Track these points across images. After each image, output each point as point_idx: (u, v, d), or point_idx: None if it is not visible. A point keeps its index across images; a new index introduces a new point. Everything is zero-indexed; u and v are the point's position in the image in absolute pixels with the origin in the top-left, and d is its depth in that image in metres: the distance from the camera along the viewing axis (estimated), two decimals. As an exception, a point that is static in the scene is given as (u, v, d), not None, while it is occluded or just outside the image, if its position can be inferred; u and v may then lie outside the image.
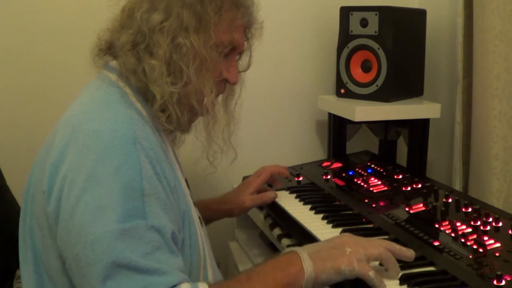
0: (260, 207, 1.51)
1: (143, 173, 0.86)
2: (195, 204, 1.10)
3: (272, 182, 1.50)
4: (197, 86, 0.99)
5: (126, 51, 0.98)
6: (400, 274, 1.00)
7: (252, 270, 0.95)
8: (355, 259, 0.94)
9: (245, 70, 1.17)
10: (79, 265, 0.84)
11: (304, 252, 0.95)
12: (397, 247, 1.01)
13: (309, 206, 1.39)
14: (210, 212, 1.39)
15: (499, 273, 0.97)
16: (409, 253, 1.01)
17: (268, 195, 1.41)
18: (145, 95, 0.99)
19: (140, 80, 0.98)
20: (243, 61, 1.16)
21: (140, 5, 0.98)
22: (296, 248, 0.98)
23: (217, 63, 1.03)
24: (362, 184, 1.51)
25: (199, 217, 1.09)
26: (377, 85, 1.69)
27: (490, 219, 1.19)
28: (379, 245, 0.98)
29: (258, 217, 1.55)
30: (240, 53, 1.13)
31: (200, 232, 1.01)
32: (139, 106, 0.97)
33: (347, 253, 0.95)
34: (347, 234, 1.03)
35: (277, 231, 1.40)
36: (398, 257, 1.00)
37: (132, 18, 0.98)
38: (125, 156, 0.86)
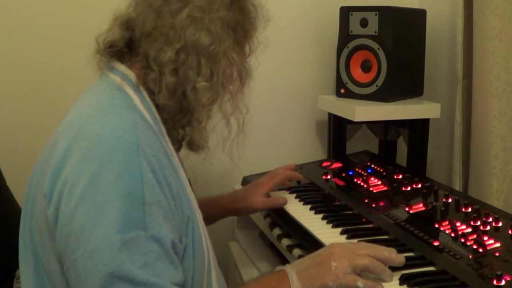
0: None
1: (145, 181, 0.86)
2: (198, 205, 1.10)
3: (282, 184, 1.50)
4: (234, 103, 1.05)
5: (169, 70, 0.96)
6: (393, 277, 1.00)
7: (243, 287, 0.96)
8: (341, 273, 0.96)
9: None
10: (77, 271, 0.84)
11: (293, 272, 0.98)
12: (385, 254, 1.01)
13: (309, 206, 1.39)
14: (218, 210, 1.40)
15: (499, 273, 0.97)
16: (398, 259, 1.02)
17: (278, 201, 1.39)
18: (168, 113, 0.99)
19: (172, 98, 0.97)
20: None
21: (182, 21, 0.96)
22: (286, 267, 1.00)
23: (248, 75, 1.07)
24: (362, 184, 1.51)
25: (202, 218, 1.08)
26: (377, 85, 1.69)
27: (490, 219, 1.19)
28: (365, 255, 0.99)
29: (258, 217, 1.55)
30: None
31: (204, 236, 1.01)
32: (143, 110, 0.96)
33: (333, 268, 0.96)
34: (335, 245, 1.04)
35: (277, 231, 1.40)
36: (388, 264, 1.01)
37: (176, 33, 0.96)
38: (127, 164, 0.85)
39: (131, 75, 0.99)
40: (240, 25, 1.03)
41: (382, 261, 1.00)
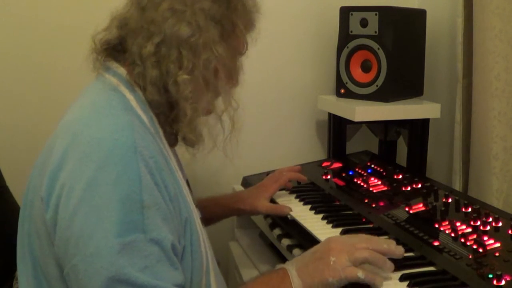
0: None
1: (143, 184, 0.85)
2: (197, 205, 1.10)
3: (285, 185, 1.49)
4: (224, 98, 1.01)
5: (151, 63, 0.95)
6: (393, 269, 1.00)
7: (244, 287, 0.98)
8: (341, 268, 0.96)
9: None
10: (78, 276, 0.84)
11: (293, 269, 0.98)
12: (384, 246, 1.01)
13: (309, 206, 1.39)
14: (222, 209, 1.40)
15: (499, 273, 0.97)
16: (397, 251, 1.02)
17: (283, 210, 1.37)
18: (158, 108, 0.98)
19: (158, 93, 0.96)
20: None
21: (163, 14, 0.96)
22: (286, 265, 1.00)
23: (237, 71, 1.04)
24: (362, 184, 1.51)
25: (200, 219, 1.08)
26: (377, 85, 1.69)
27: (490, 219, 1.19)
28: (365, 248, 0.99)
29: (258, 217, 1.55)
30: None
31: (202, 237, 1.01)
32: (140, 112, 0.96)
33: (332, 263, 0.96)
34: (333, 239, 1.03)
35: (277, 231, 1.40)
36: (387, 256, 1.01)
37: (157, 27, 0.96)
38: (125, 167, 0.85)
39: (123, 72, 0.99)
40: (227, 19, 1.00)
41: (382, 254, 1.00)
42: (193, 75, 0.96)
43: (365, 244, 1.00)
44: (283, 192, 1.50)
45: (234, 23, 1.00)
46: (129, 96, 0.96)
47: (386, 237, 1.20)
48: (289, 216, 1.35)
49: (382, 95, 1.69)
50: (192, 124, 0.98)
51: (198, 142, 1.02)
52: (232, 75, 1.03)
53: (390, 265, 1.00)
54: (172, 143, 1.06)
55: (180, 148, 1.16)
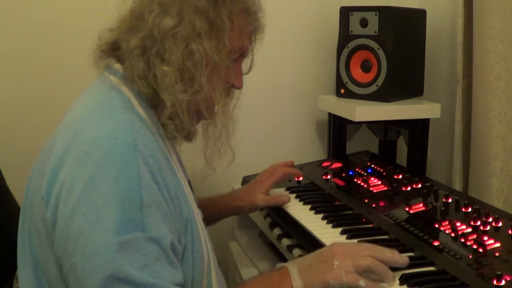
0: (260, 207, 1.51)
1: (143, 182, 0.85)
2: (199, 206, 1.10)
3: (281, 179, 1.49)
4: (207, 93, 0.99)
5: (136, 55, 0.96)
6: (396, 279, 1.00)
7: (244, 286, 0.98)
8: (343, 271, 0.96)
9: (246, 73, 1.17)
10: (76, 274, 0.84)
11: (294, 268, 0.98)
12: (388, 255, 1.01)
13: (309, 206, 1.39)
14: (219, 209, 1.40)
15: (499, 273, 0.97)
16: (402, 260, 1.01)
17: (282, 199, 1.39)
18: (151, 101, 0.98)
19: (148, 86, 0.96)
20: (244, 65, 1.16)
21: (150, 8, 0.96)
22: (287, 264, 1.00)
23: (227, 69, 1.02)
24: (362, 184, 1.51)
25: (202, 219, 1.08)
26: (377, 85, 1.69)
27: (490, 219, 1.19)
28: (368, 256, 0.99)
29: (258, 217, 1.55)
30: (244, 58, 1.13)
31: (204, 237, 1.01)
32: (141, 111, 0.96)
33: (335, 266, 0.96)
34: (337, 244, 1.04)
35: (277, 231, 1.40)
36: (391, 266, 1.00)
37: (143, 21, 0.96)
38: (124, 165, 0.85)
39: (119, 68, 0.99)
40: (217, 14, 0.98)
41: (386, 263, 1.00)
42: (173, 67, 0.95)
43: (369, 252, 1.00)
44: (282, 191, 1.50)
45: (223, 20, 0.98)
46: (129, 95, 0.97)
47: (386, 237, 1.20)
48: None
49: (382, 95, 1.69)
50: (175, 116, 0.97)
51: (181, 136, 1.01)
52: (222, 73, 1.01)
53: (392, 275, 0.99)
54: (172, 136, 1.06)
55: (181, 148, 1.17)
